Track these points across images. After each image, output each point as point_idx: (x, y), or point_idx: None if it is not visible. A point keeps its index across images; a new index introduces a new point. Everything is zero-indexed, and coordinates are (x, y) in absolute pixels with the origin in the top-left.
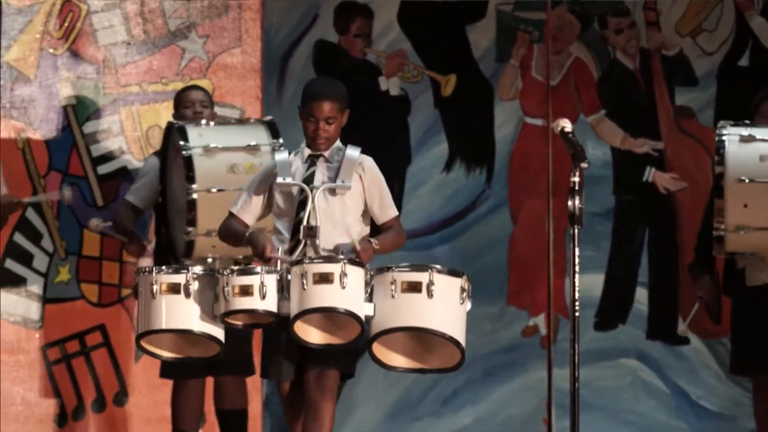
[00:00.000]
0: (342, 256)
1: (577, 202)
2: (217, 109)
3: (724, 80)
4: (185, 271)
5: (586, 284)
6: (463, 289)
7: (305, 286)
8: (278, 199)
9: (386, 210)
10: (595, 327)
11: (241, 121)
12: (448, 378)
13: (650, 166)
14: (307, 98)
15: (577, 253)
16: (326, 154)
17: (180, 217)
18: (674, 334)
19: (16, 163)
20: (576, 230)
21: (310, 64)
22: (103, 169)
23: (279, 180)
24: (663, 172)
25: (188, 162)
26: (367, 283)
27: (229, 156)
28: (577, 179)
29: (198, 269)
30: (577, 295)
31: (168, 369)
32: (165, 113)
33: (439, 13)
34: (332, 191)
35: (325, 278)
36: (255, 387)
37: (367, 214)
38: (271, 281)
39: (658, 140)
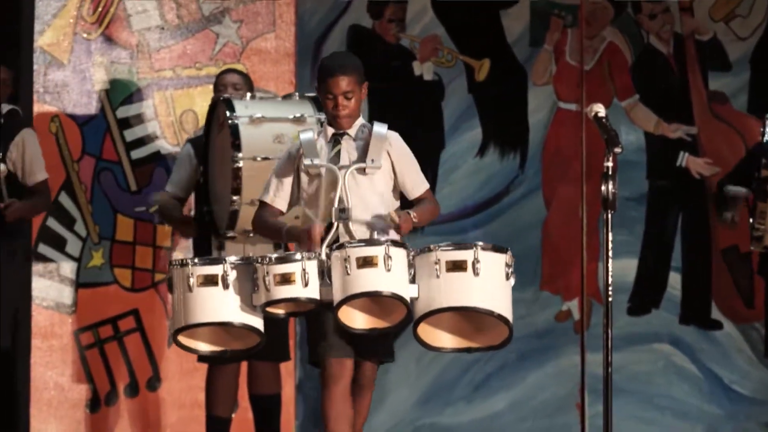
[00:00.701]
0: (384, 239)
1: (610, 186)
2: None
3: (758, 65)
4: (221, 261)
5: (620, 269)
6: (507, 265)
7: (348, 271)
8: (304, 181)
9: (418, 184)
10: (629, 312)
11: (287, 97)
12: (481, 363)
13: (684, 151)
14: (322, 75)
15: (610, 237)
16: (351, 131)
17: (218, 192)
18: (707, 318)
19: (49, 148)
20: (609, 215)
21: (343, 49)
22: (137, 153)
23: (306, 162)
24: (696, 157)
25: (234, 130)
26: (409, 264)
27: (276, 126)
28: (610, 164)
29: (234, 259)
30: (610, 279)
31: None
32: (199, 98)
33: None
34: (362, 171)
35: (368, 262)
36: (288, 372)
37: (397, 190)
38: (312, 267)
39: (692, 125)
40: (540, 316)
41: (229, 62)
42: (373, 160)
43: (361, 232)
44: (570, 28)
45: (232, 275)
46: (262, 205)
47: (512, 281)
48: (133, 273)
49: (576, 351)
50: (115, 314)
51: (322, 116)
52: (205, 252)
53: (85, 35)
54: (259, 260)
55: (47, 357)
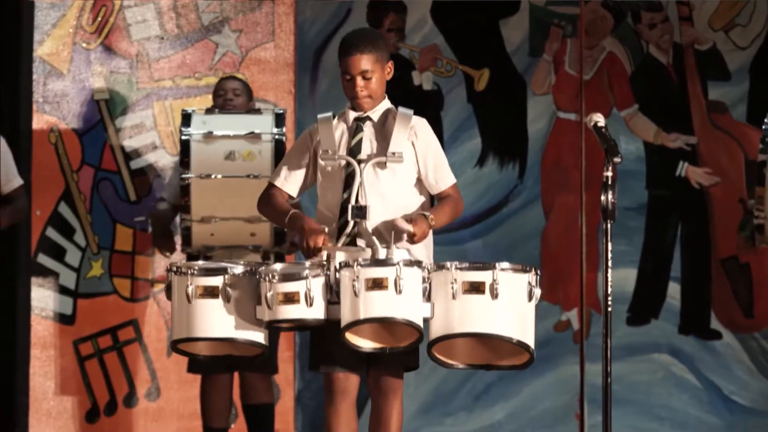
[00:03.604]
0: (397, 259)
1: (610, 196)
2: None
3: (757, 75)
4: (223, 272)
5: (619, 279)
6: (530, 285)
7: (357, 293)
8: (321, 169)
9: (442, 179)
10: (628, 322)
11: (255, 111)
12: (481, 373)
13: (683, 160)
14: (340, 54)
15: (609, 247)
16: (373, 116)
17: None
18: (707, 329)
19: (48, 158)
20: (609, 225)
21: None
22: (136, 164)
23: (322, 152)
24: (696, 166)
25: (185, 147)
26: (424, 280)
27: (228, 143)
28: (610, 174)
29: (237, 269)
30: (609, 289)
31: (195, 364)
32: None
33: (472, 7)
34: (382, 164)
35: (378, 284)
36: (288, 382)
37: (422, 182)
38: (317, 286)
39: (691, 135)
40: (539, 326)
41: (228, 72)
42: (394, 153)
43: (378, 231)
44: (569, 37)
45: (234, 287)
46: (271, 186)
47: (536, 299)
48: (132, 283)
49: (575, 361)
50: (114, 324)
51: (279, 131)
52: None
53: (84, 45)
54: (263, 275)
55: (46, 367)
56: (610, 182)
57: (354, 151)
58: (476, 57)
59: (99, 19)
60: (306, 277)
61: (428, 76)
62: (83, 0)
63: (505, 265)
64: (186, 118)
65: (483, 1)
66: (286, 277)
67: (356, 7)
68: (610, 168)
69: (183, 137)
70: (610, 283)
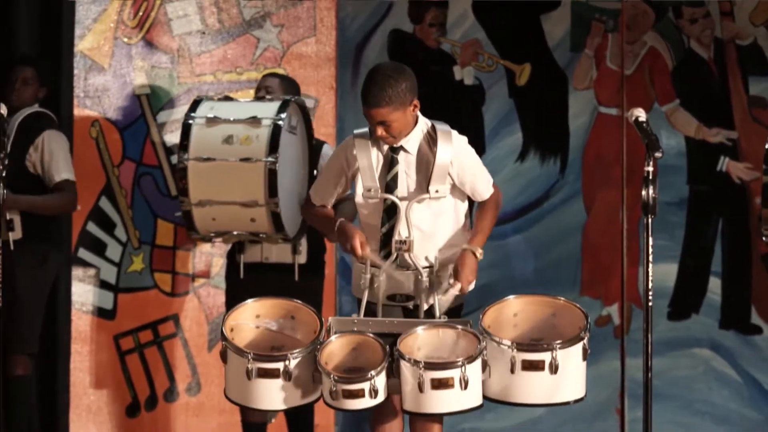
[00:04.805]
0: (459, 359)
1: (651, 191)
2: None
3: None
4: (283, 358)
5: (660, 274)
6: (585, 347)
7: (422, 389)
8: (360, 199)
9: (480, 192)
10: (669, 317)
11: (271, 99)
12: None
13: (724, 155)
14: (362, 100)
15: (650, 242)
16: (407, 146)
17: None
18: (747, 323)
19: (89, 153)
20: (650, 220)
21: (384, 53)
22: None
23: (360, 188)
24: (737, 161)
25: (186, 130)
26: (482, 356)
27: (229, 127)
28: (651, 169)
29: (296, 353)
30: (650, 284)
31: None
32: None
33: (513, 2)
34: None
35: (444, 383)
36: None
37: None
38: (381, 379)
39: (732, 130)
40: None
41: (270, 67)
42: (437, 191)
43: (422, 258)
44: (611, 32)
45: (294, 366)
46: (309, 198)
47: (588, 342)
48: (173, 278)
49: (616, 356)
50: (155, 319)
51: (279, 118)
52: (231, 254)
53: (125, 40)
54: (327, 373)
55: (87, 362)
56: (651, 177)
57: (390, 186)
58: (517, 52)
59: (140, 13)
60: (371, 377)
61: (469, 71)
62: None
63: (561, 342)
64: (195, 104)
65: None
66: (351, 380)
67: (398, 2)
68: (651, 163)
69: (186, 121)
70: (650, 278)
